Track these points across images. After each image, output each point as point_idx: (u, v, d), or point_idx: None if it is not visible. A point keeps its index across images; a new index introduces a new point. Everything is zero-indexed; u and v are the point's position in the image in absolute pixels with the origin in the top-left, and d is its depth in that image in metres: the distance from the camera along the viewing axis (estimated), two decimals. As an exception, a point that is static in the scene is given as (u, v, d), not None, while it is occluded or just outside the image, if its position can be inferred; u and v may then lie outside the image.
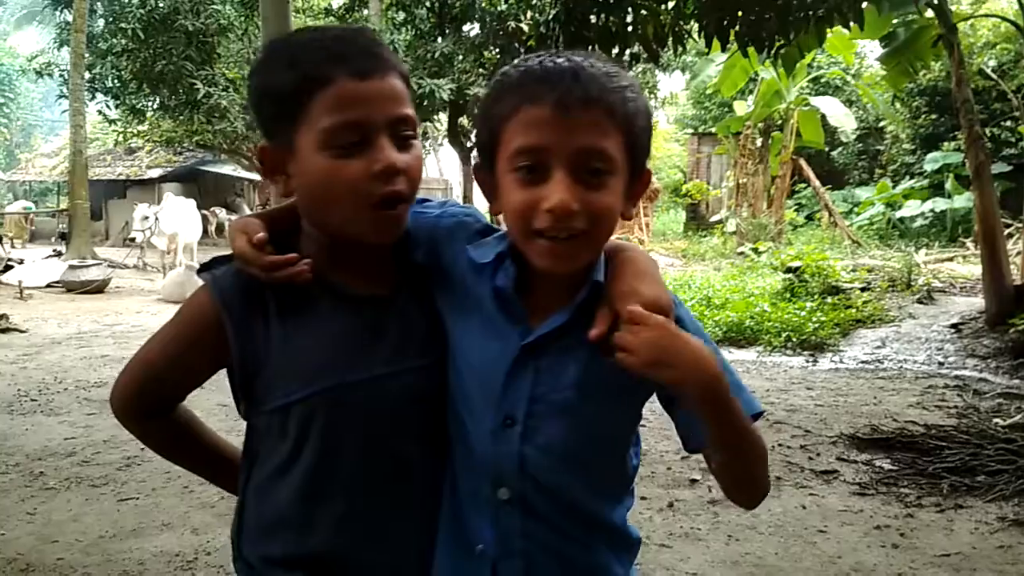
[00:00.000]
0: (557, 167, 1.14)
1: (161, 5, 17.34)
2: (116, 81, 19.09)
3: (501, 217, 1.25)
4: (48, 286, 14.27)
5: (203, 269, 1.32)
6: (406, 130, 1.24)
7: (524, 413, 1.22)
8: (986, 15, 15.48)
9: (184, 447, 1.47)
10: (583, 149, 1.14)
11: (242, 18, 18.24)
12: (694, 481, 4.51)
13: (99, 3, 19.74)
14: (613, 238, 1.26)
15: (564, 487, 1.24)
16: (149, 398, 1.38)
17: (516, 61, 1.23)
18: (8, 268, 15.79)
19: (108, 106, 20.82)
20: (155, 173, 26.03)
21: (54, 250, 19.82)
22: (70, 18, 19.19)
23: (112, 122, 21.86)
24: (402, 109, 1.23)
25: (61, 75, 20.19)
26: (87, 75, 19.31)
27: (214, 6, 17.60)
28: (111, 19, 18.88)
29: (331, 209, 1.24)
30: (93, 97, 20.40)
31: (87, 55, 18.98)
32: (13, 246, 21.28)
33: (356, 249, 1.28)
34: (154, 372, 1.35)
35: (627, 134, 1.18)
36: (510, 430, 1.22)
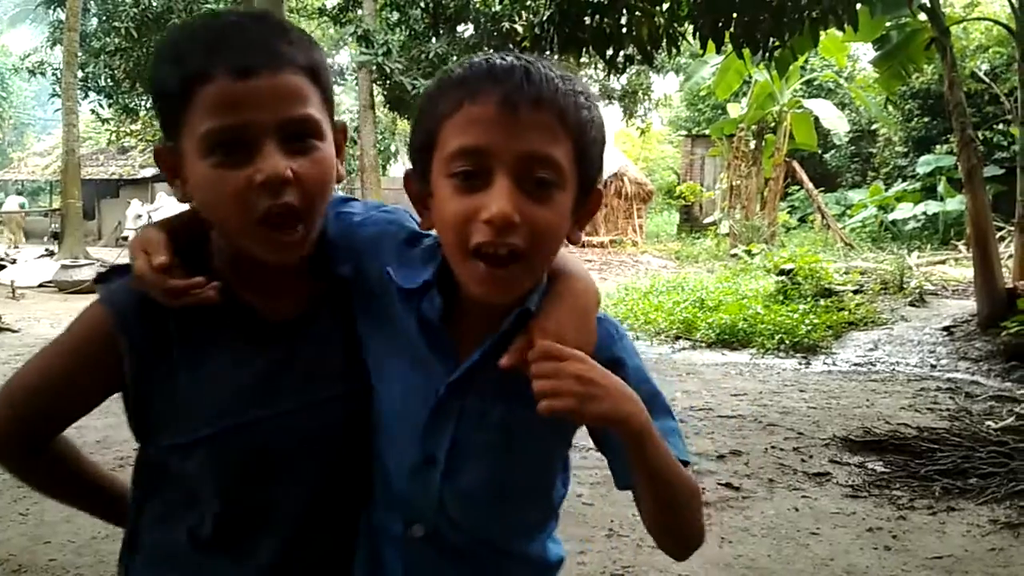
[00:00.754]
0: (499, 173, 1.01)
1: (154, 4, 17.31)
2: (109, 80, 19.03)
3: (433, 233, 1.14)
4: (40, 286, 14.22)
5: (100, 279, 1.18)
6: (304, 134, 1.08)
7: (446, 453, 1.13)
8: (978, 18, 15.56)
9: (66, 481, 1.31)
10: (529, 154, 1.01)
11: (236, 17, 18.20)
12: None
13: (92, 2, 19.72)
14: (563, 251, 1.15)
15: (482, 526, 1.17)
16: (29, 429, 1.21)
17: (463, 60, 1.10)
18: (0, 268, 15.74)
19: (101, 105, 20.77)
20: (148, 172, 25.96)
21: (46, 249, 19.75)
22: (63, 17, 19.14)
23: (105, 121, 21.82)
24: (296, 110, 1.07)
25: (54, 74, 20.15)
26: (80, 74, 19.26)
27: (208, 5, 17.56)
28: (104, 18, 18.85)
29: (218, 222, 1.12)
30: (86, 96, 20.33)
31: (80, 54, 18.94)
32: (16, 247, 21.23)
33: (265, 265, 1.14)
34: (36, 398, 1.18)
35: (578, 143, 1.05)
36: (431, 469, 1.13)
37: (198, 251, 1.16)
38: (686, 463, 1.11)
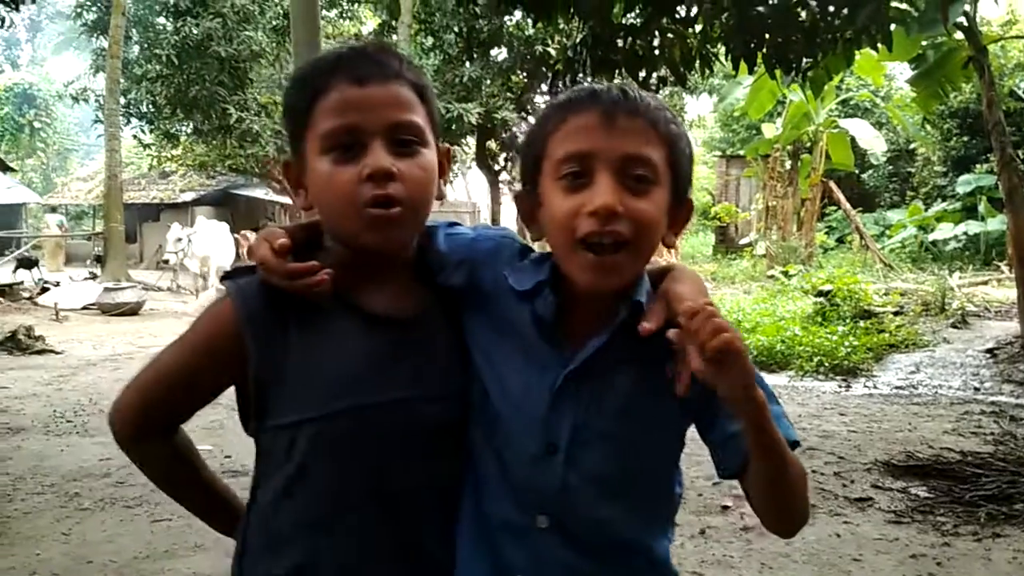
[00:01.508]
0: (602, 172, 1.15)
1: (195, 32, 17.66)
2: (151, 106, 19.45)
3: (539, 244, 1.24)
4: (83, 308, 14.48)
5: (226, 277, 1.30)
6: (408, 137, 1.23)
7: (567, 440, 1.20)
8: (1016, 37, 15.39)
9: (183, 475, 1.41)
10: (628, 155, 1.16)
11: (274, 44, 18.54)
12: (725, 508, 4.46)
13: (134, 30, 20.17)
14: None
15: (606, 516, 1.21)
16: (155, 414, 1.33)
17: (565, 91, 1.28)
18: (45, 290, 16.05)
19: (143, 131, 21.22)
20: (188, 197, 26.42)
21: (90, 272, 20.12)
22: (106, 44, 19.60)
23: (146, 146, 22.25)
24: (402, 115, 1.23)
25: (97, 100, 20.64)
26: (122, 100, 19.71)
27: (246, 32, 17.90)
28: (146, 45, 19.28)
29: (331, 214, 1.25)
30: (128, 122, 20.79)
31: (122, 81, 19.37)
32: (57, 270, 21.62)
33: (376, 264, 1.27)
34: (166, 384, 1.31)
35: (671, 150, 1.19)
36: (552, 457, 1.20)
37: (312, 256, 1.26)
38: (796, 444, 1.19)
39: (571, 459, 1.20)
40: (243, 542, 1.32)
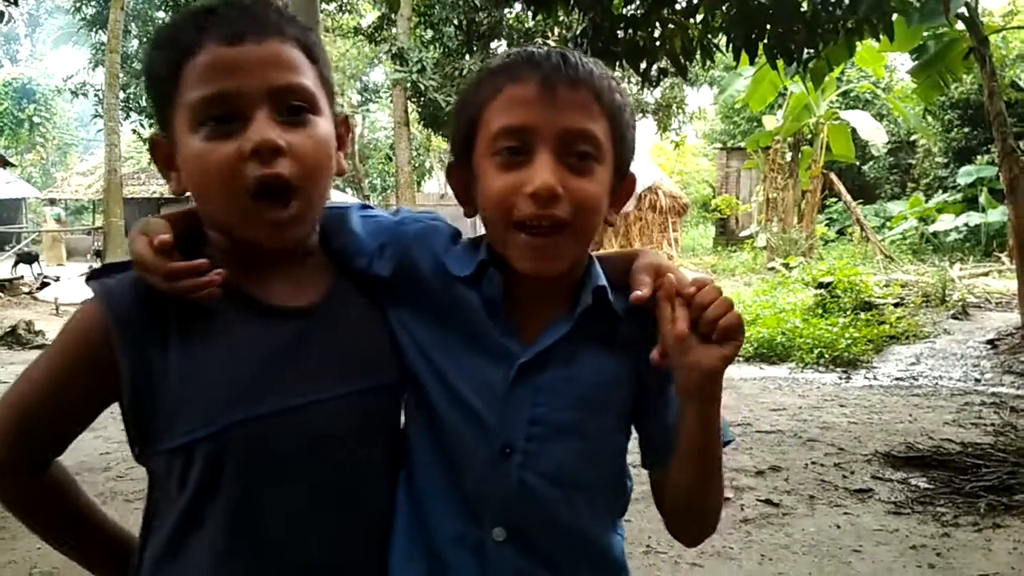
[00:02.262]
0: (541, 148, 1.04)
1: (194, 26, 17.60)
2: (150, 100, 19.40)
3: (478, 219, 1.14)
4: (83, 303, 14.47)
5: (92, 276, 1.10)
6: (297, 103, 1.04)
7: (523, 438, 1.10)
8: (1018, 27, 15.35)
9: (64, 515, 1.21)
10: (568, 130, 1.05)
11: (273, 38, 18.48)
12: (726, 499, 4.46)
13: (133, 24, 20.14)
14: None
15: (567, 516, 1.13)
16: (27, 444, 1.12)
17: (502, 53, 1.15)
18: (44, 285, 16.06)
19: (142, 125, 21.16)
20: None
21: (89, 267, 20.11)
22: (105, 39, 19.56)
23: (146, 141, 22.20)
24: (288, 77, 1.03)
25: (96, 95, 20.62)
26: (122, 95, 19.66)
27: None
28: (145, 39, 19.24)
29: (208, 201, 1.06)
30: (127, 116, 20.75)
31: (121, 75, 19.32)
32: (59, 264, 21.63)
33: (266, 252, 1.08)
34: (32, 409, 1.10)
35: (613, 123, 1.09)
36: (507, 460, 1.10)
37: (195, 250, 1.09)
38: (728, 443, 1.15)
39: (528, 458, 1.10)
40: (139, 563, 1.13)
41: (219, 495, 1.05)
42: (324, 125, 1.08)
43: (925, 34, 9.08)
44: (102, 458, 5.21)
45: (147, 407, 1.05)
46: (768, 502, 4.47)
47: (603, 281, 1.13)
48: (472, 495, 1.11)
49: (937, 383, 7.64)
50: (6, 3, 8.36)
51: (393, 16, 18.23)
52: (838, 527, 4.16)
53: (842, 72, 17.50)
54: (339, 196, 18.69)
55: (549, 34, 17.31)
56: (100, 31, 20.05)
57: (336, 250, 1.17)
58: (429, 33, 18.63)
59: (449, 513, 1.12)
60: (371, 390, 1.12)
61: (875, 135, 18.93)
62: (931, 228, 19.12)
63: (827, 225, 22.48)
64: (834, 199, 22.07)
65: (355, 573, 1.13)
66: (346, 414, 1.10)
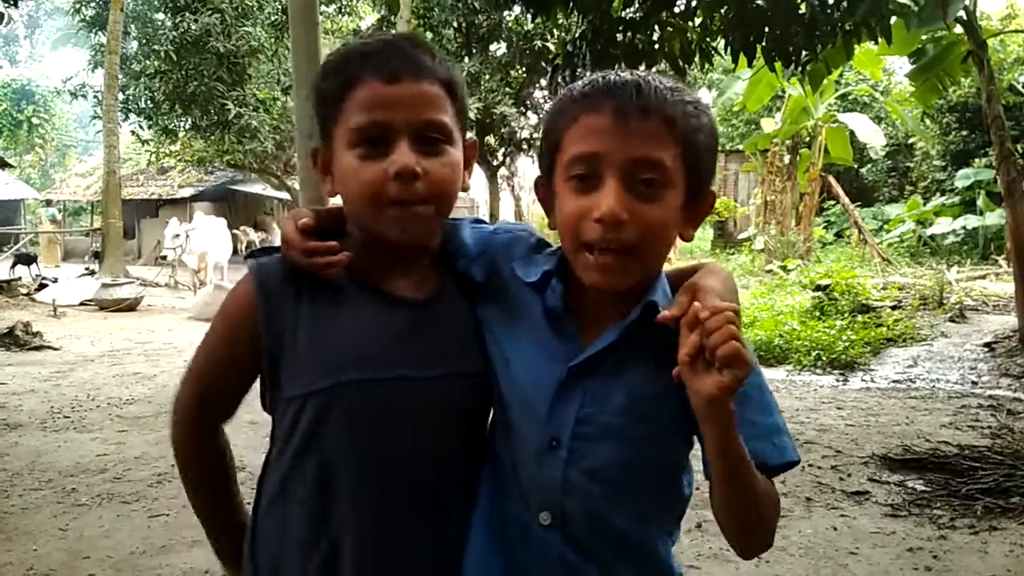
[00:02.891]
0: (609, 175, 1.13)
1: (193, 27, 17.61)
2: (149, 102, 19.38)
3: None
4: (81, 304, 14.47)
5: (251, 255, 1.33)
6: (435, 135, 1.23)
7: (570, 435, 1.19)
8: (1016, 31, 15.37)
9: (220, 480, 1.41)
10: (637, 159, 1.12)
11: (272, 40, 18.49)
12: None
13: (132, 25, 20.11)
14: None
15: (608, 514, 1.20)
16: (207, 407, 1.36)
17: (586, 78, 1.23)
18: (42, 287, 16.04)
19: (141, 126, 21.13)
20: (187, 192, 26.39)
21: (87, 268, 20.11)
22: (104, 40, 19.57)
23: (145, 142, 22.17)
24: (430, 114, 1.23)
25: (95, 96, 20.58)
26: (120, 96, 19.67)
27: (245, 28, 17.85)
28: (144, 41, 19.21)
29: (355, 206, 1.27)
30: (126, 118, 20.73)
31: (120, 76, 19.34)
32: (55, 265, 21.61)
33: (395, 251, 1.28)
34: (204, 374, 1.34)
35: (686, 148, 1.15)
36: (554, 452, 1.19)
37: (336, 239, 1.29)
38: (793, 464, 1.18)
39: (573, 454, 1.18)
40: (255, 510, 1.33)
41: (320, 446, 1.24)
42: (455, 153, 1.27)
43: (923, 37, 9.10)
44: (99, 459, 5.21)
45: (278, 360, 1.26)
46: (765, 504, 4.47)
47: (657, 296, 1.20)
48: (525, 481, 1.21)
49: (934, 386, 7.65)
50: (6, 4, 8.36)
51: (392, 18, 18.23)
52: (835, 529, 4.17)
53: (840, 75, 17.53)
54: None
55: (548, 37, 17.33)
56: (99, 33, 20.02)
57: (449, 253, 1.34)
58: (428, 35, 18.64)
59: (513, 496, 1.23)
60: (461, 375, 1.28)
61: (873, 138, 18.94)
62: (929, 231, 19.13)
63: (825, 228, 22.49)
64: (832, 202, 22.08)
65: (425, 539, 1.26)
66: (443, 394, 1.26)
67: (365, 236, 1.29)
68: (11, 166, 28.10)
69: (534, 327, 1.24)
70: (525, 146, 22.76)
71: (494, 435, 1.28)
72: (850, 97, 22.11)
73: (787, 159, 19.39)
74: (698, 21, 6.46)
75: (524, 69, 20.31)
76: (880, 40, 6.27)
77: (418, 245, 1.29)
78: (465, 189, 1.32)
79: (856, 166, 21.98)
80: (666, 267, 1.27)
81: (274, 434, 1.32)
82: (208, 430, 1.38)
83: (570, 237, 1.17)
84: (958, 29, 8.75)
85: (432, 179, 1.22)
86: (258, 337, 1.25)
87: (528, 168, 24.36)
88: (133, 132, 22.31)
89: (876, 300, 11.01)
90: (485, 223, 1.40)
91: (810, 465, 5.16)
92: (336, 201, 1.33)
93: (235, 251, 17.31)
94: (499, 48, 18.96)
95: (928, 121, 20.27)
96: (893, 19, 6.52)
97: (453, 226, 1.36)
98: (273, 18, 18.43)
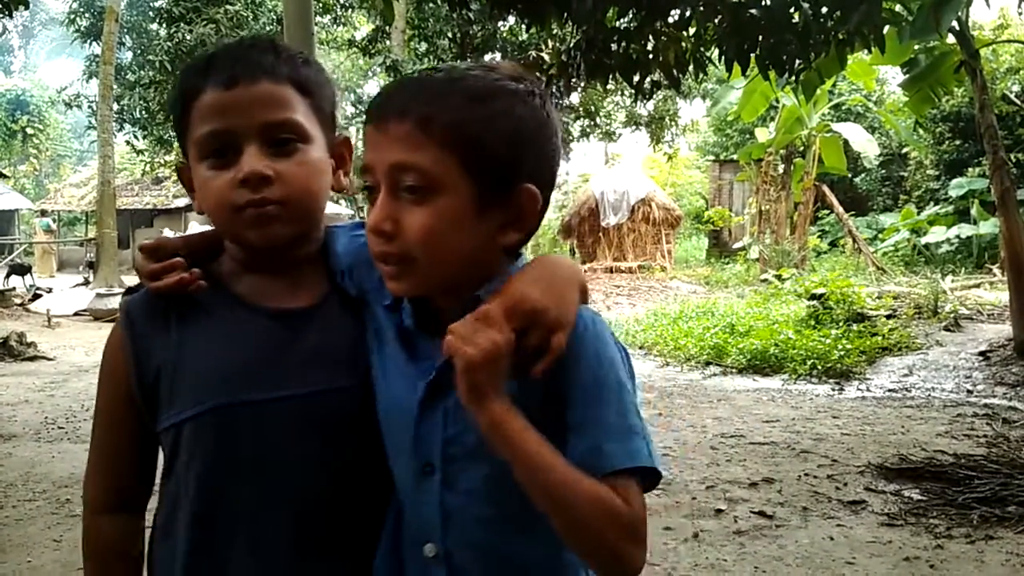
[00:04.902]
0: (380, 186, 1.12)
1: (188, 38, 17.63)
2: (144, 112, 19.39)
3: None
4: (75, 314, 14.43)
5: (126, 293, 1.29)
6: (286, 136, 1.18)
7: (440, 458, 1.10)
8: (1008, 40, 15.44)
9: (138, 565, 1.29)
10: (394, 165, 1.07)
11: (267, 50, 18.51)
12: (719, 511, 4.46)
13: (127, 36, 20.15)
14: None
15: (493, 538, 1.10)
16: (115, 477, 1.26)
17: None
18: (37, 297, 15.99)
19: (136, 136, 21.15)
20: (181, 202, 26.33)
21: (83, 278, 20.05)
22: (99, 50, 19.58)
23: (140, 152, 22.19)
24: (275, 115, 1.17)
25: (90, 106, 20.61)
26: (115, 106, 19.65)
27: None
28: (139, 51, 19.26)
29: (214, 218, 1.22)
30: (121, 128, 20.73)
31: (115, 87, 19.32)
32: (50, 275, 21.54)
33: (270, 260, 1.23)
34: (104, 442, 1.26)
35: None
36: (430, 478, 1.11)
37: (214, 259, 1.27)
38: (651, 471, 1.03)
39: (448, 478, 1.10)
40: (151, 541, 1.27)
41: (194, 475, 1.18)
42: (312, 152, 1.21)
43: (916, 47, 9.13)
44: (93, 470, 5.18)
45: (151, 391, 1.20)
46: (761, 514, 4.47)
47: (484, 292, 1.09)
48: (407, 510, 1.14)
49: (930, 395, 7.66)
50: (0, 14, 8.35)
51: (387, 29, 18.29)
52: (831, 539, 4.16)
53: (833, 85, 17.56)
54: (333, 208, 18.66)
55: (543, 47, 17.35)
56: (94, 43, 20.06)
57: (328, 266, 1.26)
58: (423, 46, 18.70)
59: (403, 525, 1.16)
60: (340, 390, 1.20)
61: (867, 147, 18.99)
62: (923, 240, 19.16)
63: (819, 237, 22.52)
64: (826, 211, 22.11)
65: (313, 564, 1.19)
66: (319, 408, 1.18)
67: (235, 250, 1.25)
68: (5, 176, 28.08)
69: (393, 350, 1.17)
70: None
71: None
72: (844, 107, 22.19)
73: (781, 169, 19.42)
74: (692, 31, 6.47)
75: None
76: (873, 49, 6.30)
77: (282, 249, 1.21)
78: (339, 188, 1.27)
79: (850, 175, 22.02)
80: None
81: (164, 461, 1.25)
82: (128, 507, 1.27)
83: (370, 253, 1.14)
84: (951, 39, 8.79)
85: (286, 181, 1.16)
86: (137, 380, 1.20)
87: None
88: (128, 142, 22.34)
89: (871, 309, 11.01)
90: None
91: (806, 474, 5.16)
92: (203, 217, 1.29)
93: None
94: (494, 58, 18.98)
95: (921, 131, 20.31)
96: (886, 28, 6.55)
97: (330, 234, 1.28)
98: (268, 28, 18.45)
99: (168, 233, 16.23)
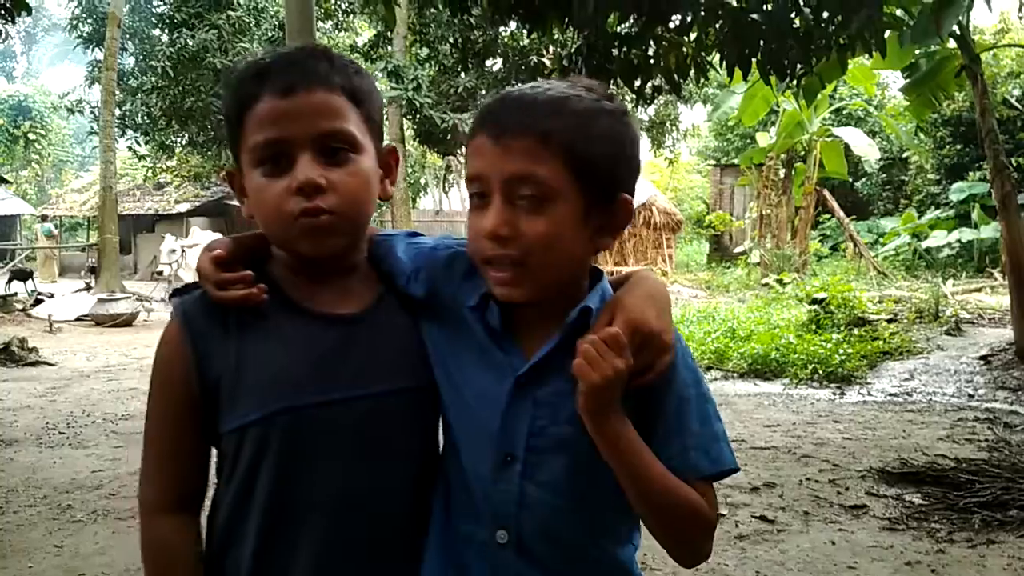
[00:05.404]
0: (495, 194, 1.15)
1: (190, 44, 17.69)
2: (146, 118, 19.43)
3: None
4: (77, 319, 14.43)
5: (174, 295, 1.30)
6: (337, 145, 1.20)
7: (524, 449, 1.18)
8: (1009, 45, 15.46)
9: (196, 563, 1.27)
10: (513, 175, 1.14)
11: (269, 55, 18.54)
12: (720, 516, 4.45)
13: (130, 42, 20.20)
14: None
15: (566, 528, 1.19)
16: (175, 476, 1.26)
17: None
18: (39, 302, 16.01)
19: (138, 142, 21.19)
20: (183, 207, 26.34)
21: (85, 284, 20.07)
22: (101, 56, 19.61)
23: (142, 158, 22.24)
24: (329, 124, 1.19)
25: (92, 112, 20.62)
26: (117, 112, 19.69)
27: (242, 44, 17.92)
28: (141, 57, 19.30)
29: (266, 225, 1.23)
30: (123, 133, 20.77)
31: (117, 92, 19.36)
32: (52, 280, 21.55)
33: (320, 267, 1.26)
34: (157, 438, 1.26)
35: (567, 159, 1.17)
36: (510, 467, 1.18)
37: (262, 265, 1.28)
38: (731, 471, 1.20)
39: (529, 469, 1.18)
40: (209, 548, 1.27)
41: (263, 478, 1.20)
42: (363, 162, 1.23)
43: (917, 52, 9.14)
44: (94, 476, 5.19)
45: (215, 396, 1.21)
46: (763, 518, 4.46)
47: (594, 302, 1.20)
48: (480, 498, 1.20)
49: (931, 399, 7.65)
50: (2, 20, 8.37)
51: (389, 34, 18.31)
52: (833, 543, 4.16)
53: (834, 90, 17.62)
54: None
55: (544, 52, 17.38)
56: (96, 49, 20.09)
57: (384, 271, 1.31)
58: (425, 51, 18.71)
59: (467, 512, 1.22)
60: (401, 391, 1.24)
61: (868, 152, 19.03)
62: (924, 244, 19.18)
63: (820, 241, 22.55)
64: (827, 215, 22.15)
65: (390, 562, 1.24)
66: (378, 411, 1.23)
67: (286, 256, 1.27)
68: (7, 182, 28.12)
69: (477, 346, 1.23)
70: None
71: (445, 457, 1.27)
72: (844, 111, 22.22)
73: (782, 173, 19.46)
74: (693, 36, 6.48)
75: (520, 84, 20.34)
76: (874, 54, 6.31)
77: (334, 257, 1.24)
78: (385, 198, 1.30)
79: (851, 180, 22.07)
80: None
81: (220, 466, 1.27)
82: (185, 506, 1.26)
83: (475, 257, 1.20)
84: (951, 43, 8.80)
85: (338, 190, 1.18)
86: (198, 380, 1.22)
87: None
88: (130, 148, 22.37)
89: (872, 313, 11.02)
90: (422, 236, 1.38)
91: (808, 479, 5.15)
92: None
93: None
94: (495, 63, 18.99)
95: (922, 135, 20.36)
96: (887, 33, 6.55)
97: (386, 244, 1.34)
98: (270, 34, 18.50)
99: (170, 240, 16.27)
